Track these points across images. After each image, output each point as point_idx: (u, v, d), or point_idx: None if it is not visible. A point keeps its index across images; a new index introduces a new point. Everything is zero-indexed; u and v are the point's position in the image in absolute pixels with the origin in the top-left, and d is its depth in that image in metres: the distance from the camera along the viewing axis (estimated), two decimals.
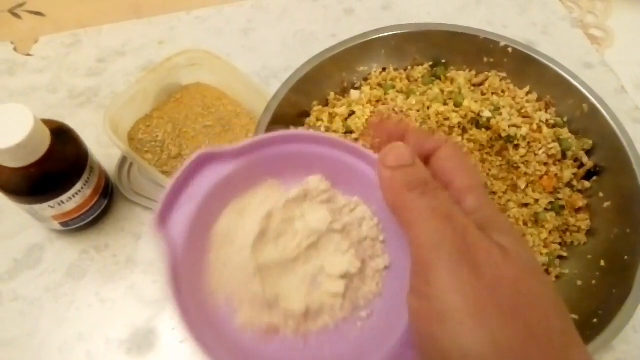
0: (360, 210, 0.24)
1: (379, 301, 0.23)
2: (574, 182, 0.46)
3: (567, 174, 0.45)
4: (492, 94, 0.49)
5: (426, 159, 0.23)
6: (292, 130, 0.23)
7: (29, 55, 0.56)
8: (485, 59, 0.50)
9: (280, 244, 0.23)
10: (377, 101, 0.48)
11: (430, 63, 0.51)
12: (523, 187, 0.45)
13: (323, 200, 0.24)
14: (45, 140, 0.36)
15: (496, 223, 0.21)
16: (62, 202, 0.39)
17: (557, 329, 0.18)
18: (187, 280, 0.21)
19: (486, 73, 0.50)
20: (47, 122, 0.37)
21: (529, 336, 0.18)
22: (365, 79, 0.51)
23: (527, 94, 0.49)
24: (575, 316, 0.39)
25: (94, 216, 0.43)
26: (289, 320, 0.22)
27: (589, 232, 0.44)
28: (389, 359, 0.21)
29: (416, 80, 0.50)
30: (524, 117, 0.47)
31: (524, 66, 0.49)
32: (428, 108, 0.46)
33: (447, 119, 0.45)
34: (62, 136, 0.38)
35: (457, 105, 0.46)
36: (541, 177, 0.45)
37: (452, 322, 0.18)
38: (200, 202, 0.22)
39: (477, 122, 0.46)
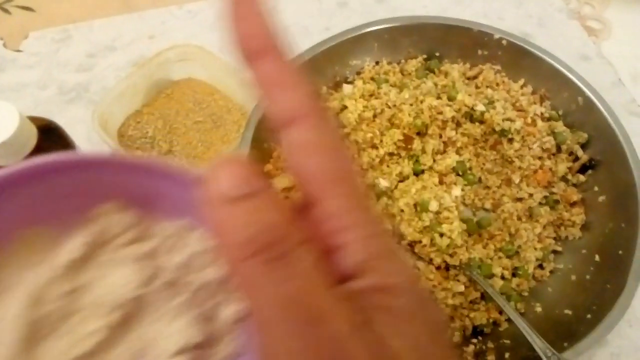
0: (194, 241, 0.16)
1: None
2: (569, 176, 0.45)
3: (562, 168, 0.45)
4: (487, 87, 0.49)
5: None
6: (52, 157, 0.14)
7: (18, 51, 0.55)
8: (480, 52, 0.49)
9: (67, 334, 0.14)
10: (370, 95, 0.47)
11: (424, 56, 0.51)
12: (517, 181, 0.45)
13: (128, 242, 0.15)
14: (31, 138, 0.36)
15: (390, 299, 0.13)
16: None
17: None
18: None
19: (480, 66, 0.50)
20: (34, 120, 0.37)
21: None
22: (358, 73, 0.50)
23: (522, 87, 0.49)
24: (569, 311, 0.39)
25: None
26: None
27: (584, 227, 0.44)
28: None
29: (410, 74, 0.50)
30: (518, 110, 0.46)
31: (518, 59, 0.48)
32: (421, 102, 0.45)
33: (440, 112, 0.45)
34: (49, 134, 0.38)
35: (451, 99, 0.46)
36: (535, 171, 0.45)
37: None
38: None
39: (471, 116, 0.46)
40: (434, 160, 0.45)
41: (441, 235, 0.40)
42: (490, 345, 0.39)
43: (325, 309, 0.12)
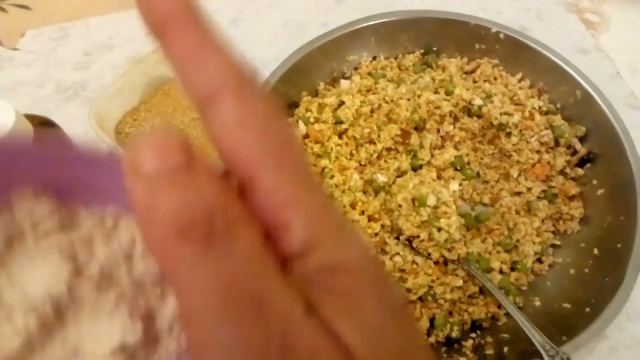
0: (125, 229, 0.14)
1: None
2: (567, 170, 0.45)
3: (560, 162, 0.45)
4: (484, 81, 0.48)
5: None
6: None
7: (15, 49, 0.55)
8: (477, 46, 0.49)
9: None
10: (368, 90, 0.47)
11: (422, 51, 0.50)
12: (515, 175, 0.45)
13: (48, 231, 0.14)
14: (27, 135, 0.36)
15: (341, 278, 0.12)
16: None
17: None
18: None
19: (478, 60, 0.50)
20: (30, 117, 0.37)
21: None
22: (356, 68, 0.50)
23: (520, 80, 0.49)
24: (567, 305, 0.39)
25: None
26: None
27: (583, 220, 0.44)
28: None
29: (407, 69, 0.50)
30: (516, 104, 0.46)
31: (516, 52, 0.48)
32: (419, 97, 0.45)
33: (438, 107, 0.45)
34: (46, 131, 0.38)
35: (449, 93, 0.46)
36: (534, 165, 0.45)
37: None
38: None
39: (468, 110, 0.46)
40: (432, 155, 0.45)
41: (439, 229, 0.39)
42: (489, 339, 0.39)
43: (268, 291, 0.10)
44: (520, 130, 0.45)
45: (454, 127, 0.46)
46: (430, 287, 0.39)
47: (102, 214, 0.14)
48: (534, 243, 0.42)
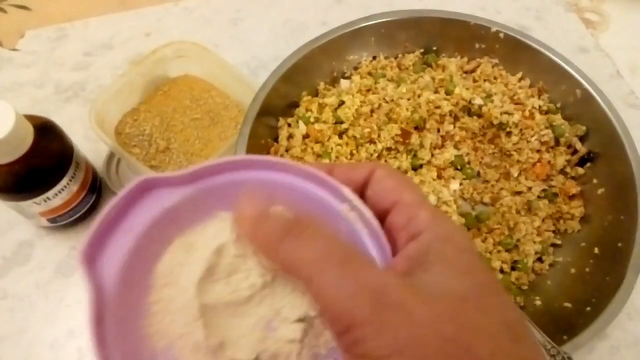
0: None
1: None
2: (568, 169, 0.45)
3: (560, 161, 0.45)
4: (484, 80, 0.48)
5: (361, 189, 0.21)
6: (249, 156, 0.22)
7: (15, 50, 0.55)
8: (477, 45, 0.49)
9: (231, 283, 0.20)
10: (368, 90, 0.47)
11: (422, 50, 0.50)
12: (516, 174, 0.45)
13: None
14: (28, 136, 0.36)
15: (454, 241, 0.19)
16: (48, 198, 0.38)
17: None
18: (119, 327, 0.19)
19: (478, 60, 0.50)
20: (30, 118, 0.37)
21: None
22: (356, 68, 0.50)
23: (520, 80, 0.48)
24: (568, 304, 0.39)
25: (82, 212, 0.43)
26: None
27: (583, 219, 0.44)
28: None
29: (407, 68, 0.50)
30: (516, 103, 0.46)
31: (516, 52, 0.48)
32: (419, 96, 0.45)
33: (438, 107, 0.45)
34: (46, 132, 0.38)
35: (449, 93, 0.46)
36: (534, 165, 0.45)
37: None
38: (140, 236, 0.20)
39: (468, 109, 0.46)
40: (432, 155, 0.45)
41: None
42: None
43: (352, 254, 0.18)
44: (521, 130, 0.45)
45: (454, 127, 0.46)
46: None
47: None
48: (534, 242, 0.42)
